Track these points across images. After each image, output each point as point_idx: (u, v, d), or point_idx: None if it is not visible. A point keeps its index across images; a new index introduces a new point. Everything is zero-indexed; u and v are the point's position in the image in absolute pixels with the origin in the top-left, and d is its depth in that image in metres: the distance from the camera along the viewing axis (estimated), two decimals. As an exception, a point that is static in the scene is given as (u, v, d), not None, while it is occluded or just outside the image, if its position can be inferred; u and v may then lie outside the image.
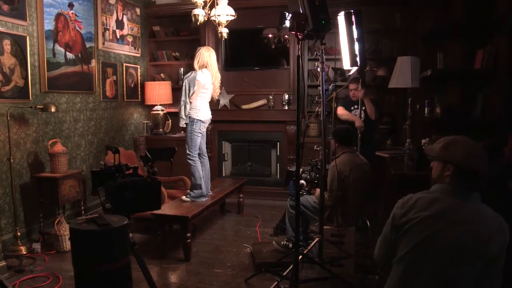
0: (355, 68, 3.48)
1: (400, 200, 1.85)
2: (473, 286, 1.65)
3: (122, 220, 1.97)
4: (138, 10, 6.05)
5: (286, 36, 5.76)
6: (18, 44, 3.92)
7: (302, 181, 3.54)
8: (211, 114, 4.38)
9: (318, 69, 3.27)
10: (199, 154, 4.27)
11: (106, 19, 5.27)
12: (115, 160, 2.24)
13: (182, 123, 4.17)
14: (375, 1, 5.44)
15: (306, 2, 2.89)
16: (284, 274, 2.99)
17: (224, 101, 5.87)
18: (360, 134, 4.41)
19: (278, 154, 6.04)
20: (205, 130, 4.30)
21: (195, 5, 3.59)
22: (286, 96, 5.72)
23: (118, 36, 5.55)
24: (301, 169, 3.36)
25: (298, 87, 2.83)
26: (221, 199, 4.50)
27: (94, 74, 5.04)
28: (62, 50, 4.50)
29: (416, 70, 3.96)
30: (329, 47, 5.18)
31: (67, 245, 3.82)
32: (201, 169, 4.23)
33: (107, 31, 5.30)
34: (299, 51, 2.76)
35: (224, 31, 4.14)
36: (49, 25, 4.27)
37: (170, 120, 6.14)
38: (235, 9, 4.06)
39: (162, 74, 6.36)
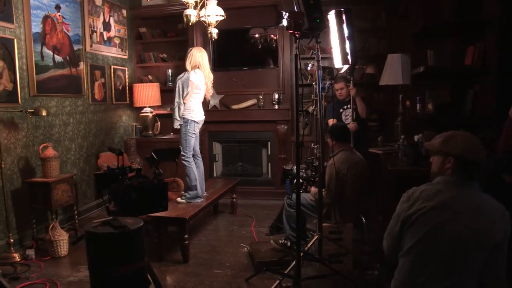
0: (346, 66, 3.51)
1: (405, 194, 1.91)
2: (479, 274, 1.72)
3: (137, 222, 1.96)
4: (124, 12, 5.97)
5: (272, 36, 5.79)
6: (6, 47, 3.84)
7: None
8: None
9: (314, 68, 3.30)
10: (193, 155, 4.26)
11: (93, 21, 5.20)
12: (119, 162, 2.22)
13: (176, 125, 4.15)
14: (359, 0, 5.49)
15: (300, 0, 2.92)
16: (286, 272, 3.00)
17: (214, 101, 5.86)
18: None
19: (269, 153, 6.06)
20: (198, 131, 4.29)
21: (185, 6, 3.56)
22: (276, 96, 5.75)
23: (105, 38, 5.48)
24: (294, 167, 3.38)
25: (297, 86, 2.86)
26: (215, 199, 4.49)
27: (82, 77, 4.97)
28: (50, 53, 4.42)
29: (407, 67, 4.02)
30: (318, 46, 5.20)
31: (62, 250, 3.76)
32: (196, 170, 4.23)
33: (94, 33, 5.23)
34: (297, 50, 2.78)
35: (214, 32, 4.12)
36: (36, 27, 4.19)
37: (159, 122, 6.09)
38: (222, 9, 4.05)
39: (150, 76, 6.30)
